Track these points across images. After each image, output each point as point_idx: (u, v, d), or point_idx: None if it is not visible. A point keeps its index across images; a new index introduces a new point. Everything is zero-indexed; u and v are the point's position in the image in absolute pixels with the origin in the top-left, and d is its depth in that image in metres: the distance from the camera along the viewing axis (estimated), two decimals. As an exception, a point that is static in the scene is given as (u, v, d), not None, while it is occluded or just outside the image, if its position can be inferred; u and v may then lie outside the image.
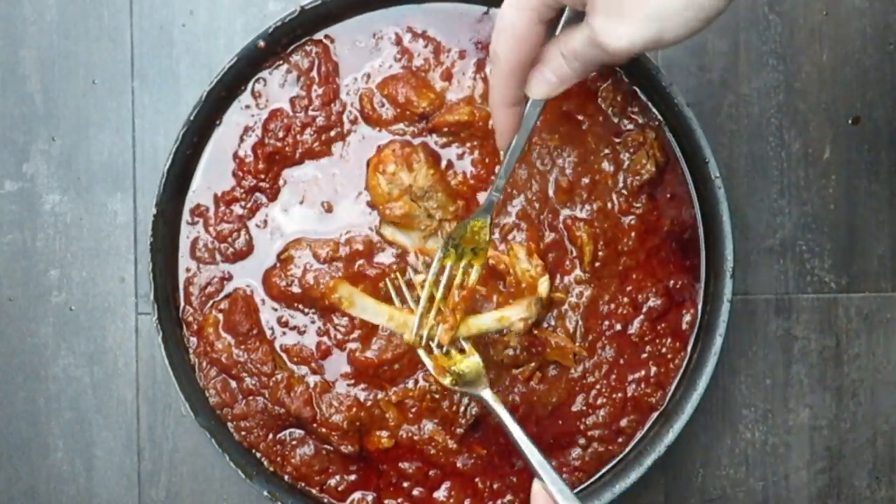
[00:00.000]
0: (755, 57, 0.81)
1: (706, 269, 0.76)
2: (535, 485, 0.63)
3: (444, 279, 0.70)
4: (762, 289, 0.81)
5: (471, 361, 0.70)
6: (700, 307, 0.76)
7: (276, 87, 0.76)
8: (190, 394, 0.73)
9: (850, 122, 0.82)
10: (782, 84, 0.81)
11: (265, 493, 0.72)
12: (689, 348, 0.76)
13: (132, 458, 0.80)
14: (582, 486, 0.75)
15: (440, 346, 0.70)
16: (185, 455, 0.80)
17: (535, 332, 0.74)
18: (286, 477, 0.75)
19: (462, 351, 0.70)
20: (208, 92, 0.73)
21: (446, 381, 0.69)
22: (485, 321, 0.70)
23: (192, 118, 0.73)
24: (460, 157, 0.76)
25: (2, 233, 0.81)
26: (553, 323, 0.75)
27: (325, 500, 0.75)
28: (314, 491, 0.75)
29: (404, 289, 0.72)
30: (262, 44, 0.74)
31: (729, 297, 0.72)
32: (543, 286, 0.74)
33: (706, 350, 0.73)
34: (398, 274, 0.74)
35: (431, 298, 0.70)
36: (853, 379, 0.82)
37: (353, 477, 0.75)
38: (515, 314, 0.70)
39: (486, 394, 0.68)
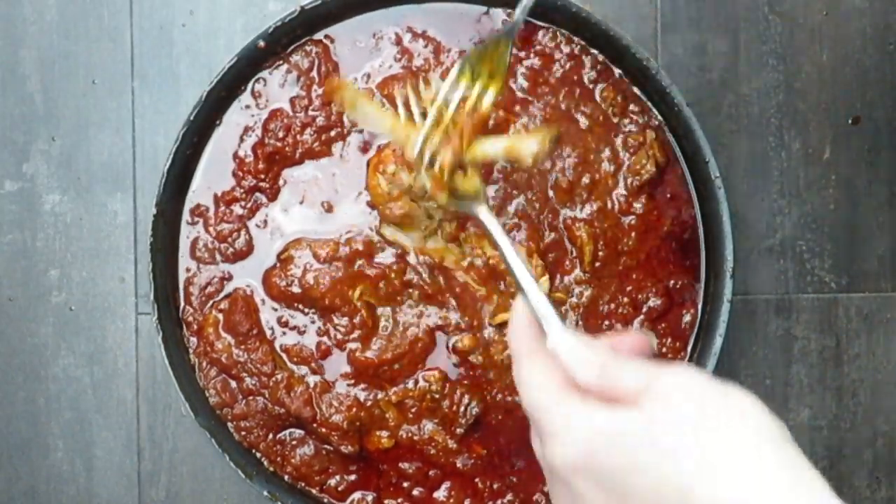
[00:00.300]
0: (755, 57, 0.81)
1: (706, 269, 0.76)
2: (518, 300, 0.55)
3: (455, 99, 0.65)
4: (762, 289, 0.81)
5: (471, 181, 0.65)
6: (700, 307, 0.76)
7: (276, 87, 0.76)
8: (190, 394, 0.73)
9: (850, 122, 0.82)
10: (782, 84, 0.81)
11: (265, 493, 0.72)
12: (689, 348, 0.76)
13: (132, 458, 0.80)
14: (582, 486, 0.75)
15: (441, 169, 0.64)
16: (185, 455, 0.80)
17: None
18: (286, 477, 0.75)
19: (465, 174, 0.65)
20: (208, 92, 0.73)
21: (443, 196, 0.64)
22: (492, 148, 0.64)
23: (192, 118, 0.73)
24: (460, 157, 0.76)
25: (2, 233, 0.81)
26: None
27: (325, 500, 0.75)
28: (314, 491, 0.75)
29: (412, 101, 0.67)
30: (262, 44, 0.74)
31: (729, 297, 0.72)
32: (543, 286, 0.73)
33: (706, 350, 0.73)
34: (408, 85, 0.69)
35: (440, 121, 0.65)
36: (853, 379, 0.82)
37: (353, 477, 0.75)
38: (526, 147, 0.63)
39: (482, 209, 0.62)
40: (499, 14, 0.76)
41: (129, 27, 0.81)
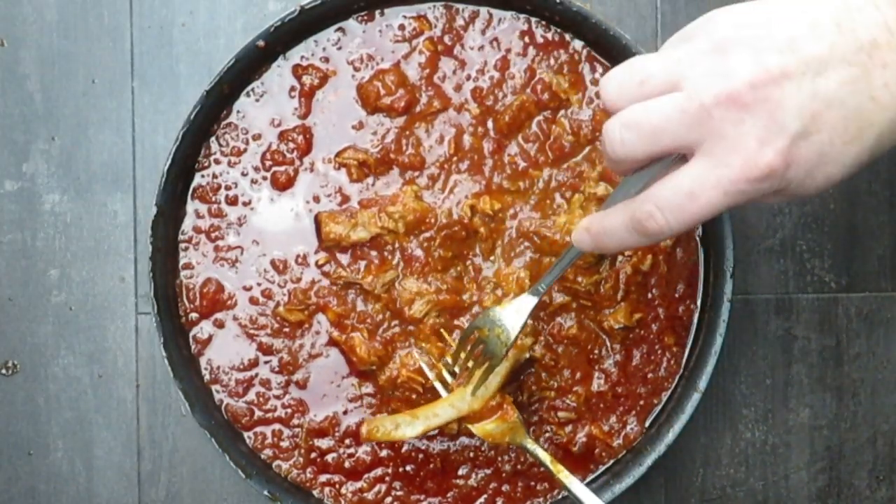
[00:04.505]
0: (755, 57, 0.81)
1: (706, 269, 0.76)
2: None
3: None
4: (762, 289, 0.81)
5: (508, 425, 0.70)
6: (700, 307, 0.76)
7: (276, 87, 0.76)
8: (190, 394, 0.73)
9: (850, 122, 0.82)
10: (782, 84, 0.81)
11: (265, 492, 0.72)
12: (689, 348, 0.76)
13: (132, 458, 0.80)
14: (582, 486, 0.75)
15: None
16: (185, 455, 0.80)
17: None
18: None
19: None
20: (208, 91, 0.73)
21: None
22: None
23: (192, 118, 0.73)
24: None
25: (2, 233, 0.81)
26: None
27: (326, 500, 0.75)
28: (315, 492, 0.75)
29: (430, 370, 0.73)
30: (261, 44, 0.74)
31: (729, 297, 0.72)
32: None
33: (706, 350, 0.73)
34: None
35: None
36: (853, 379, 0.82)
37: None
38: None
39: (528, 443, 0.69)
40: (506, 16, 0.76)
41: (128, 27, 0.81)
